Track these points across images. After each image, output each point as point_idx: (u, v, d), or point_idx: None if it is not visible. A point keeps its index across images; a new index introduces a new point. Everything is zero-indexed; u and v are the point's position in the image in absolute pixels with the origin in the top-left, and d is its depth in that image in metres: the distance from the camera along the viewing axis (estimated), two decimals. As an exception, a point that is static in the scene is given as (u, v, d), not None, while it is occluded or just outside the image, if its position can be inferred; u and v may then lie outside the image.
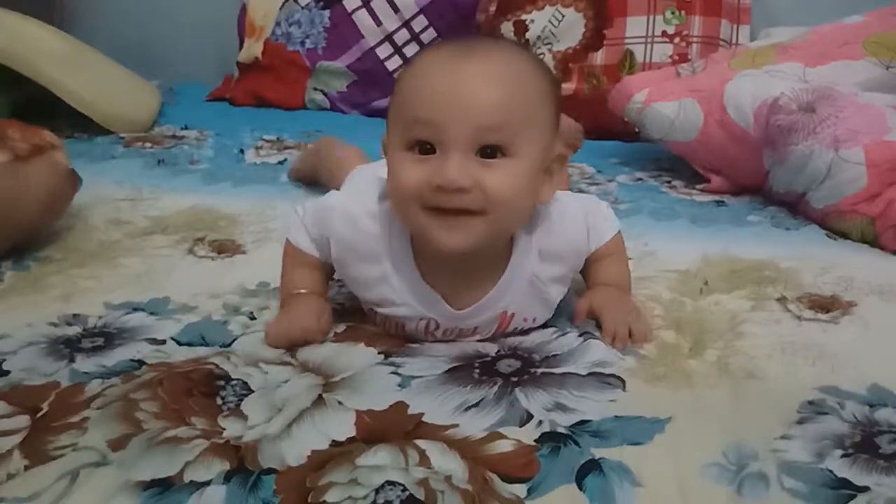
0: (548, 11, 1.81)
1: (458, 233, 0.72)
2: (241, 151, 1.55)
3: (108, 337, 0.82)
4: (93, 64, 1.70)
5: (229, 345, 0.80)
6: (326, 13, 1.96)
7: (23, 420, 0.67)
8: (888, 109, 1.26)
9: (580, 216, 0.85)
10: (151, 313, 0.87)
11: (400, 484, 0.60)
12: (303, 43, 1.96)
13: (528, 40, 1.79)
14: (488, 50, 0.75)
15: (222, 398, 0.71)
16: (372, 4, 1.92)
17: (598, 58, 1.80)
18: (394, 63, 1.90)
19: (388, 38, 1.91)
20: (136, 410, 0.68)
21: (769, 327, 0.88)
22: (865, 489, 0.62)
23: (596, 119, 1.65)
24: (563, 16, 1.81)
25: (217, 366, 0.76)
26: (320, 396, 0.71)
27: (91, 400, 0.70)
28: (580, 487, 0.61)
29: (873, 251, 1.14)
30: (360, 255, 0.80)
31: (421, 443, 0.65)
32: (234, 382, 0.73)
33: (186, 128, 1.70)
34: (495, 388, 0.73)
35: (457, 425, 0.67)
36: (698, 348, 0.83)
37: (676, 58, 1.75)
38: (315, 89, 1.95)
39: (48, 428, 0.66)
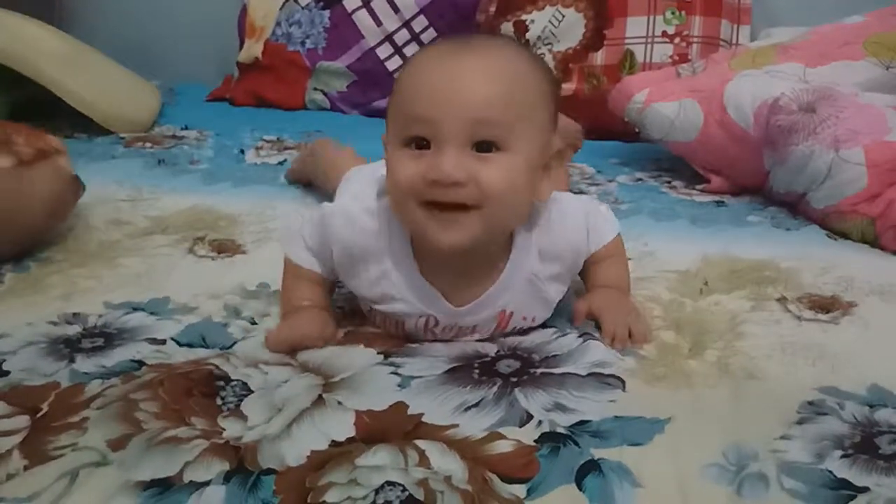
0: (548, 11, 1.81)
1: (454, 230, 0.72)
2: (242, 152, 1.55)
3: (108, 337, 0.82)
4: (93, 64, 1.70)
5: (230, 347, 0.80)
6: (326, 13, 1.96)
7: (22, 420, 0.67)
8: (888, 110, 1.26)
9: (580, 216, 0.85)
10: (151, 313, 0.87)
11: (399, 484, 0.60)
12: (303, 43, 1.96)
13: (528, 40, 1.79)
14: (484, 46, 0.75)
15: (222, 398, 0.71)
16: (372, 4, 1.92)
17: (599, 58, 1.80)
18: (394, 63, 1.90)
19: (389, 38, 1.91)
20: (136, 410, 0.68)
21: (769, 327, 0.88)
22: (865, 490, 0.61)
23: (596, 119, 1.64)
24: (564, 16, 1.81)
25: (217, 367, 0.76)
26: (320, 396, 0.71)
27: (91, 400, 0.70)
28: (580, 488, 0.61)
29: (873, 251, 1.14)
30: (360, 253, 0.80)
31: (420, 443, 0.65)
32: (233, 383, 0.73)
33: (186, 128, 1.70)
34: (495, 389, 0.73)
35: (456, 425, 0.67)
36: (698, 349, 0.82)
37: (677, 58, 1.74)
38: (315, 89, 1.95)
39: (48, 428, 0.66)
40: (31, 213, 0.99)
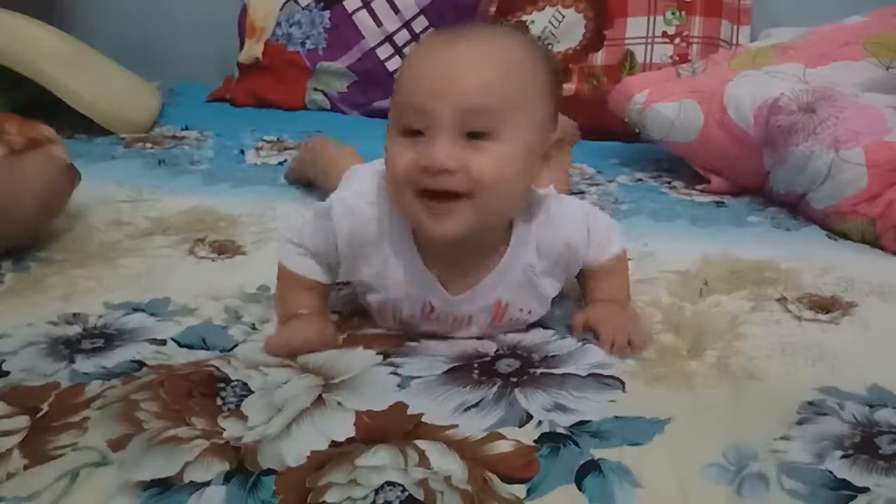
0: (548, 12, 1.81)
1: (446, 221, 0.73)
2: (242, 152, 1.55)
3: (108, 338, 0.81)
4: (93, 64, 1.70)
5: (230, 350, 0.80)
6: (327, 14, 1.96)
7: (22, 420, 0.67)
8: (888, 110, 1.26)
9: (580, 215, 0.85)
10: (152, 314, 0.87)
11: (399, 484, 0.60)
12: (303, 43, 1.96)
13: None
14: (481, 35, 0.76)
15: (222, 399, 0.71)
16: (372, 5, 1.92)
17: (599, 58, 1.80)
18: (394, 64, 1.90)
19: (389, 38, 1.91)
20: (137, 410, 0.68)
21: (769, 328, 0.88)
22: (865, 490, 0.62)
23: (596, 119, 1.64)
24: (564, 16, 1.81)
25: (217, 368, 0.76)
26: (320, 397, 0.71)
27: (91, 400, 0.70)
28: (580, 488, 0.61)
29: (874, 252, 1.14)
30: (361, 242, 0.80)
31: (420, 443, 0.65)
32: (234, 383, 0.73)
33: (187, 128, 1.70)
34: (495, 389, 0.73)
35: (456, 426, 0.68)
36: (697, 349, 0.82)
37: (677, 58, 1.74)
38: (315, 90, 1.95)
39: (48, 428, 0.66)
40: (25, 204, 0.97)
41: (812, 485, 0.62)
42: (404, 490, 0.59)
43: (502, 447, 0.65)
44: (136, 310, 0.88)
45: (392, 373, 0.76)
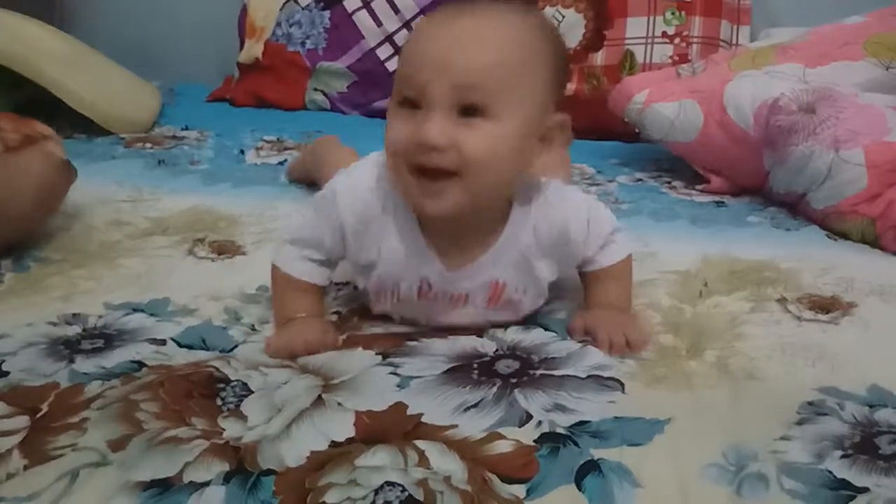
0: (548, 12, 1.80)
1: (437, 199, 0.73)
2: (242, 152, 1.55)
3: (107, 338, 0.81)
4: (93, 64, 1.70)
5: (230, 350, 0.80)
6: (327, 14, 1.96)
7: (22, 420, 0.67)
8: (888, 110, 1.26)
9: (582, 203, 0.84)
10: (151, 314, 0.87)
11: (399, 484, 0.60)
12: (303, 43, 1.96)
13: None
14: (486, 10, 0.75)
15: (222, 399, 0.71)
16: (372, 5, 1.92)
17: (599, 58, 1.80)
18: (394, 64, 1.88)
19: (389, 38, 1.91)
20: (137, 411, 0.68)
21: (769, 328, 0.88)
22: (865, 490, 0.62)
23: (596, 119, 1.64)
24: (564, 16, 1.81)
25: (217, 369, 0.76)
26: (320, 397, 0.71)
27: (91, 401, 0.70)
28: (579, 488, 0.61)
29: (874, 252, 1.14)
30: (366, 220, 0.80)
31: (420, 443, 0.65)
32: (233, 384, 0.73)
33: (187, 128, 1.70)
34: (494, 389, 0.73)
35: (456, 426, 0.68)
36: (696, 350, 0.82)
37: (676, 58, 1.74)
38: (315, 90, 1.95)
39: (48, 428, 0.66)
40: (21, 201, 0.97)
41: (812, 485, 0.62)
42: (404, 490, 0.59)
43: (502, 447, 0.65)
44: (135, 310, 0.88)
45: (391, 373, 0.76)
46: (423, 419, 0.69)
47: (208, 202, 1.23)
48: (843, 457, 0.65)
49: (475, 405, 0.71)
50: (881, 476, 0.63)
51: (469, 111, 0.72)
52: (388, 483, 0.60)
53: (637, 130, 1.48)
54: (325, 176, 1.18)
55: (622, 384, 0.76)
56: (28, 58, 1.54)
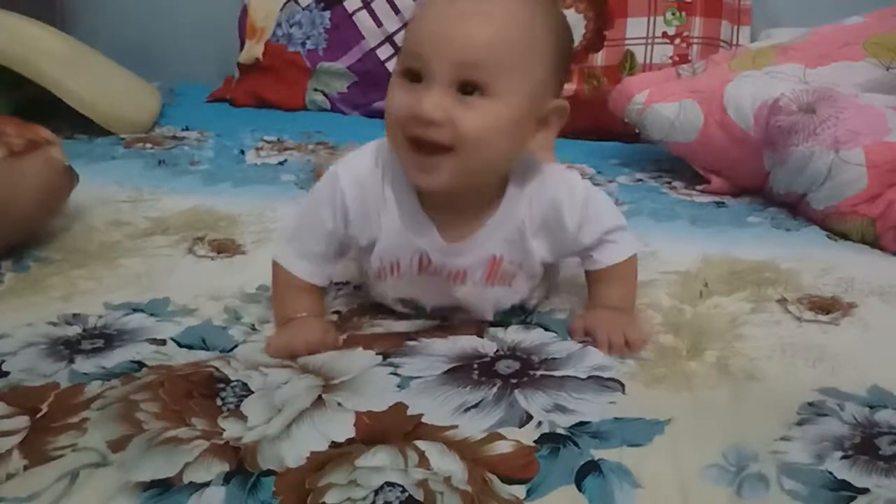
0: (548, 12, 1.80)
1: (432, 174, 0.74)
2: (242, 152, 1.55)
3: (107, 338, 0.81)
4: (93, 65, 1.70)
5: (230, 350, 0.80)
6: (327, 14, 1.96)
7: (22, 421, 0.67)
8: (888, 110, 1.26)
9: (579, 190, 0.84)
10: (151, 314, 0.87)
11: (399, 485, 0.60)
12: (303, 44, 1.96)
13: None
14: None
15: (222, 399, 0.71)
16: (373, 5, 1.92)
17: (599, 59, 1.80)
18: (394, 64, 1.89)
19: (389, 38, 1.91)
20: (137, 411, 0.68)
21: (769, 329, 0.88)
22: (865, 491, 0.62)
23: (596, 120, 1.65)
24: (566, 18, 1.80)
25: (217, 369, 0.76)
26: (320, 397, 0.71)
27: (91, 401, 0.70)
28: (579, 488, 0.61)
29: (874, 252, 1.14)
30: (366, 198, 0.80)
31: (420, 444, 0.65)
32: (233, 384, 0.73)
33: (187, 129, 1.70)
34: (494, 390, 0.73)
35: (456, 426, 0.67)
36: (697, 350, 0.82)
37: (677, 59, 1.75)
38: (315, 90, 1.95)
39: (48, 428, 0.66)
40: (23, 205, 0.98)
41: (812, 485, 0.62)
42: (404, 491, 0.59)
43: (502, 448, 0.65)
44: (135, 310, 0.88)
45: (392, 373, 0.76)
46: (424, 419, 0.68)
47: (208, 202, 1.23)
48: (843, 457, 0.65)
49: (475, 405, 0.71)
50: (881, 477, 0.63)
51: (468, 88, 0.72)
52: (389, 483, 0.60)
53: (637, 131, 1.48)
54: None
55: (622, 385, 0.76)
56: (28, 58, 1.54)
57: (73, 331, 0.83)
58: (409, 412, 0.70)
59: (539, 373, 0.77)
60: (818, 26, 1.47)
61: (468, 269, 0.82)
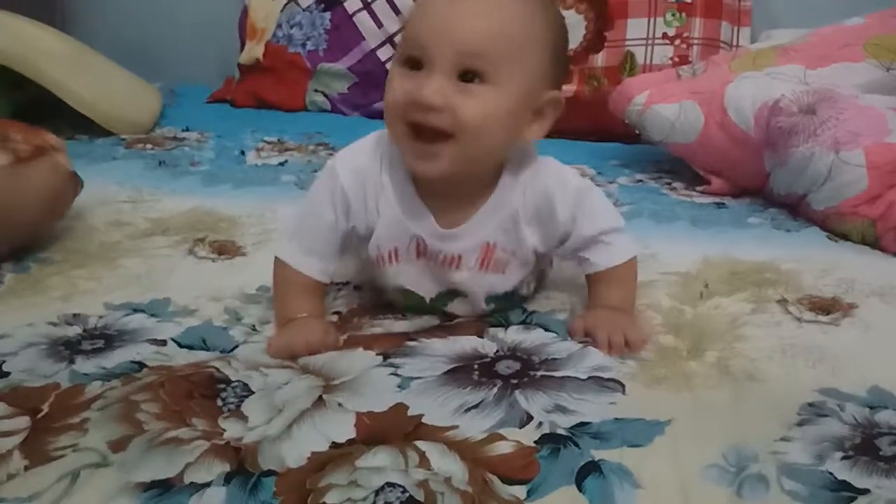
0: (548, 13, 1.81)
1: (430, 162, 0.76)
2: (242, 153, 1.55)
3: (108, 338, 0.81)
4: (94, 65, 1.70)
5: (231, 351, 0.80)
6: (327, 15, 1.96)
7: (23, 421, 0.67)
8: (889, 111, 1.26)
9: (572, 184, 0.84)
10: (152, 315, 0.87)
11: (400, 485, 0.60)
12: (304, 45, 1.96)
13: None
14: None
15: (223, 399, 0.71)
16: (373, 6, 1.92)
17: (599, 60, 1.80)
18: (394, 64, 1.90)
19: (390, 39, 1.91)
20: (137, 411, 0.68)
21: (770, 329, 0.88)
22: (866, 492, 0.61)
23: (596, 121, 1.65)
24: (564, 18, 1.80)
25: (218, 369, 0.76)
26: (320, 398, 0.71)
27: (91, 401, 0.70)
28: (580, 489, 0.61)
29: (874, 253, 1.14)
30: (365, 183, 0.82)
31: (421, 444, 0.65)
32: (234, 384, 0.73)
33: (187, 129, 1.71)
34: (495, 390, 0.73)
35: (457, 427, 0.67)
36: (697, 351, 0.82)
37: (677, 60, 1.75)
38: (316, 91, 1.95)
39: (48, 429, 0.66)
40: (28, 210, 0.99)
41: (812, 486, 0.62)
42: (405, 491, 0.59)
43: (503, 448, 0.65)
44: (136, 310, 0.88)
45: (392, 374, 0.76)
46: (424, 420, 0.68)
47: (209, 203, 1.23)
48: (843, 458, 0.65)
49: (476, 406, 0.71)
50: (882, 478, 0.63)
51: (468, 76, 0.74)
52: (389, 484, 0.60)
53: (637, 132, 1.48)
54: None
55: (623, 385, 0.76)
56: (29, 58, 1.54)
57: (74, 331, 0.83)
58: (409, 413, 0.70)
59: (539, 373, 0.77)
60: (818, 27, 1.47)
61: (463, 255, 0.83)
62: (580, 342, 0.83)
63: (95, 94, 1.61)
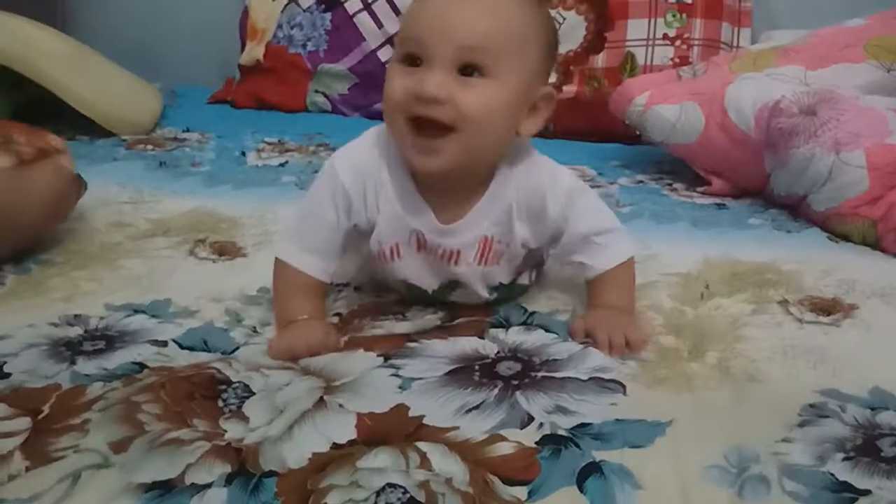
0: (549, 14, 1.81)
1: (430, 156, 0.77)
2: (243, 154, 1.55)
3: (109, 339, 0.81)
4: (94, 66, 1.70)
5: (231, 352, 0.80)
6: (328, 16, 1.96)
7: (24, 422, 0.67)
8: (889, 112, 1.26)
9: (565, 182, 0.85)
10: (153, 316, 0.87)
11: (401, 486, 0.60)
12: (304, 45, 1.96)
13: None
14: None
15: (224, 400, 0.71)
16: (373, 7, 1.92)
17: (600, 60, 1.80)
18: (394, 64, 1.90)
19: (390, 40, 1.91)
20: (138, 412, 0.68)
21: (770, 330, 0.88)
22: (867, 493, 0.61)
23: (597, 122, 1.65)
24: (565, 18, 1.81)
25: (219, 370, 0.76)
26: (321, 399, 0.71)
27: (92, 402, 0.70)
28: (581, 490, 0.61)
29: (875, 254, 1.14)
30: (365, 178, 0.82)
31: (422, 445, 0.65)
32: (235, 385, 0.73)
33: (188, 130, 1.71)
34: (496, 391, 0.73)
35: (457, 427, 0.67)
36: (698, 351, 0.82)
37: (677, 60, 1.75)
38: (316, 92, 1.95)
39: (49, 430, 0.66)
40: (32, 213, 0.99)
41: (813, 487, 0.62)
42: (405, 492, 0.59)
43: (503, 449, 0.65)
44: (137, 311, 0.88)
45: (393, 375, 0.76)
46: (425, 421, 0.68)
47: (209, 204, 1.23)
48: (844, 459, 0.65)
49: (476, 407, 0.71)
50: (883, 479, 0.63)
51: (468, 70, 0.75)
52: (390, 485, 0.60)
53: (638, 132, 1.48)
54: None
55: (623, 386, 0.76)
56: (29, 58, 1.54)
57: (75, 332, 0.83)
58: (410, 413, 0.70)
59: (540, 374, 0.77)
60: (819, 28, 1.47)
61: (462, 250, 0.84)
62: (581, 343, 0.83)
63: (96, 95, 1.61)
